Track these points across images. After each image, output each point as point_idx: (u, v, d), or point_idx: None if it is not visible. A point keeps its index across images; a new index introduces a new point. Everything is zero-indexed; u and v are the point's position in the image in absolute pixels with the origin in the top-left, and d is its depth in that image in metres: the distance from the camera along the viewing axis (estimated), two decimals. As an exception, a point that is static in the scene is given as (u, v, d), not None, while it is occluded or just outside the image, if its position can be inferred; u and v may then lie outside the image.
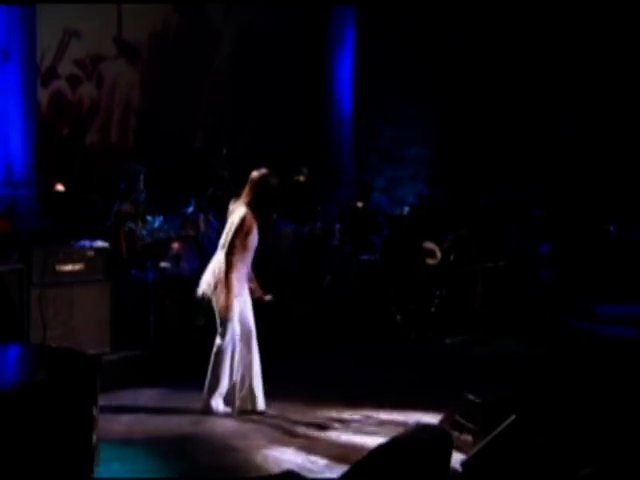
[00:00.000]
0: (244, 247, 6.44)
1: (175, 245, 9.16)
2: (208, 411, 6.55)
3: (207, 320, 7.10)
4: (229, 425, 6.48)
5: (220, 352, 6.45)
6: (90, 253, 7.72)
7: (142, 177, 9.65)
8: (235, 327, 6.47)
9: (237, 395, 6.54)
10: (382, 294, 9.72)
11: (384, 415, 6.78)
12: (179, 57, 11.68)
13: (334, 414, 6.77)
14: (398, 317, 9.63)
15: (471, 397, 5.45)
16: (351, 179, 12.77)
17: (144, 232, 9.38)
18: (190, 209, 9.79)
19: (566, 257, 11.09)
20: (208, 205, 9.80)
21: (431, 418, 6.29)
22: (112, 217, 9.20)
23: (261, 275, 9.23)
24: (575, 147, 12.96)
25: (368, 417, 6.70)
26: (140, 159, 10.08)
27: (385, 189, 13.66)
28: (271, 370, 6.82)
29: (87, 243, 7.75)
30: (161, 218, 9.66)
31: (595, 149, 12.97)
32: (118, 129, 11.32)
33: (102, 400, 5.08)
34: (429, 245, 10.17)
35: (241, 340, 6.53)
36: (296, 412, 6.77)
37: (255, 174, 6.52)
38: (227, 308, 6.37)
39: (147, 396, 7.26)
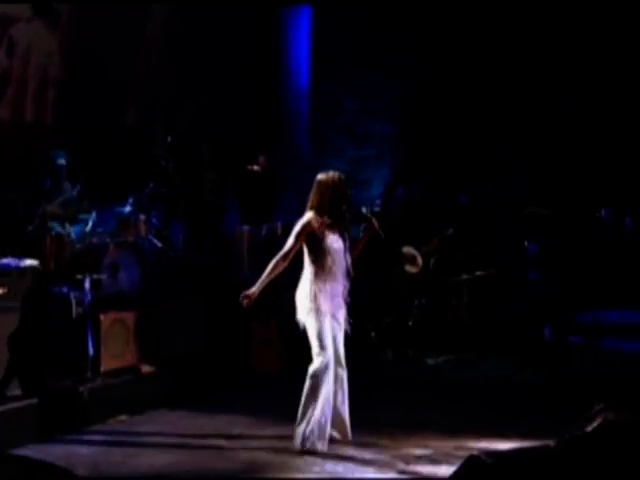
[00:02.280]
0: (317, 253, 6.40)
1: (112, 252, 8.71)
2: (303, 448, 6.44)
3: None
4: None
5: (314, 376, 6.39)
6: (15, 274, 7.21)
7: (65, 169, 9.14)
8: (328, 346, 6.39)
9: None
10: (354, 307, 9.40)
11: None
12: (106, 20, 11.08)
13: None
14: (372, 334, 9.34)
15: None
16: (310, 163, 12.41)
17: (73, 236, 8.91)
18: (127, 208, 9.31)
19: (556, 256, 10.94)
20: (149, 204, 9.34)
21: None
22: (36, 220, 8.69)
23: (215, 286, 8.98)
24: (567, 127, 12.76)
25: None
26: (61, 141, 9.54)
27: (347, 173, 13.28)
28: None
29: (12, 262, 7.22)
30: (94, 217, 9.17)
31: (589, 129, 12.79)
32: (34, 104, 10.73)
33: None
34: (408, 250, 9.90)
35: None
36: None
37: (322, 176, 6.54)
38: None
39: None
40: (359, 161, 13.68)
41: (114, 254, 8.77)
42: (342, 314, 6.58)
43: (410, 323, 9.64)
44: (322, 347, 6.36)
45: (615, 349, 9.47)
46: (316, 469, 6.25)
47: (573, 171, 12.39)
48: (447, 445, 6.79)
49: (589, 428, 5.23)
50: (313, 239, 6.41)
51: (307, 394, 6.40)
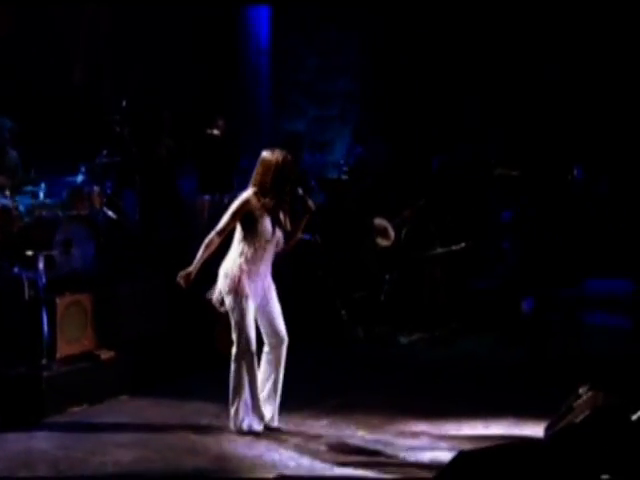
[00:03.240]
0: (250, 234, 6.43)
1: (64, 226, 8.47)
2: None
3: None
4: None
5: (237, 358, 6.53)
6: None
7: (9, 135, 8.85)
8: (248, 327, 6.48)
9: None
10: (323, 283, 9.32)
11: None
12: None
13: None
14: (343, 312, 9.26)
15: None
16: (271, 125, 12.21)
17: (22, 209, 8.65)
18: (79, 178, 9.04)
19: (529, 223, 10.93)
20: (103, 173, 9.09)
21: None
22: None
23: (173, 261, 8.79)
24: (535, 84, 12.67)
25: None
26: (2, 104, 9.23)
27: (307, 134, 13.18)
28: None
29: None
30: (43, 188, 8.91)
31: (557, 86, 12.71)
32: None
33: None
34: (380, 222, 9.78)
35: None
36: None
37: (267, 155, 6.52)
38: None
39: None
40: (321, 121, 13.51)
41: (66, 229, 8.51)
42: (273, 290, 6.63)
43: (382, 298, 9.53)
44: (242, 329, 6.46)
45: (598, 324, 9.47)
46: (292, 464, 6.19)
47: (544, 131, 12.34)
48: (430, 431, 6.79)
49: (577, 419, 5.25)
50: (249, 219, 6.44)
51: (233, 377, 6.54)
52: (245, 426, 6.59)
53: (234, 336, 6.51)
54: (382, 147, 11.91)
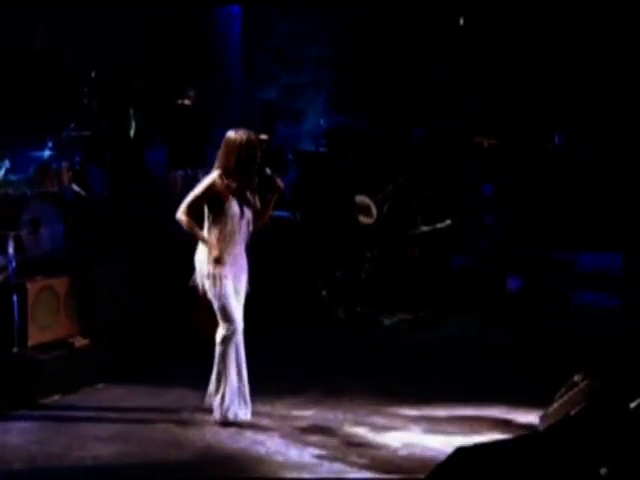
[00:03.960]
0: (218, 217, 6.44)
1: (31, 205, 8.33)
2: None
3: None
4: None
5: (222, 342, 6.51)
6: None
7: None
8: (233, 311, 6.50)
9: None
10: (303, 262, 9.26)
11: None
12: None
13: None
14: (324, 292, 9.21)
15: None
16: (242, 94, 12.05)
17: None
18: (46, 153, 8.85)
19: (512, 195, 10.91)
20: (71, 148, 8.91)
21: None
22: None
23: (147, 241, 8.70)
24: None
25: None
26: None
27: (279, 102, 13.03)
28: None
29: None
30: (6, 163, 8.73)
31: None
32: None
33: None
34: (362, 200, 9.70)
35: None
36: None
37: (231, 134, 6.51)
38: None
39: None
40: (293, 89, 13.36)
41: (34, 207, 8.37)
42: (244, 278, 6.64)
43: (363, 277, 9.49)
44: (227, 312, 6.49)
45: (587, 303, 9.45)
46: (279, 459, 6.13)
47: (522, 97, 12.27)
48: (420, 419, 6.76)
49: (574, 411, 5.27)
50: (215, 202, 6.46)
51: (218, 362, 6.51)
52: (231, 415, 6.56)
53: (219, 319, 6.52)
54: (365, 117, 11.77)
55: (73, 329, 7.75)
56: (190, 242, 6.68)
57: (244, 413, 6.62)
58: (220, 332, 6.52)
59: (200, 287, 6.57)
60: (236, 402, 6.58)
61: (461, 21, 12.52)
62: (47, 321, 7.56)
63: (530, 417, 6.66)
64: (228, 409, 6.56)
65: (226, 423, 6.57)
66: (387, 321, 9.42)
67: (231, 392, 6.54)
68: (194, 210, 6.49)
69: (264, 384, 7.09)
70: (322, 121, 11.42)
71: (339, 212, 9.72)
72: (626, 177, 11.47)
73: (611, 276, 9.94)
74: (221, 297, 6.47)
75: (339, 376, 7.91)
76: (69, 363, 7.52)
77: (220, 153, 6.55)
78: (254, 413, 6.71)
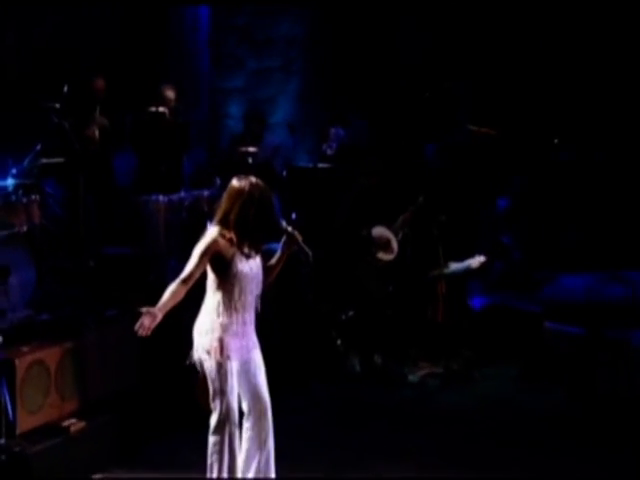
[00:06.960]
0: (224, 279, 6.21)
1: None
2: None
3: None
4: None
5: (216, 431, 6.33)
6: None
7: None
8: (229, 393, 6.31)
9: None
10: (314, 306, 9.04)
11: None
12: None
13: None
14: (339, 342, 9.01)
15: None
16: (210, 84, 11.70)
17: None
18: (9, 182, 8.35)
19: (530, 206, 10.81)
20: (40, 174, 8.46)
21: None
22: None
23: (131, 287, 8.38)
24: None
25: None
26: None
27: (244, 91, 12.74)
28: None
29: None
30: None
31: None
32: None
33: None
34: (381, 233, 9.45)
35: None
36: None
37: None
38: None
39: None
40: (260, 74, 13.06)
41: (1, 253, 7.93)
42: (257, 352, 6.46)
43: (384, 318, 9.29)
44: (224, 395, 6.28)
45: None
46: None
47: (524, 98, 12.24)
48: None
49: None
50: (219, 262, 6.23)
51: (212, 451, 6.36)
52: None
53: (214, 404, 6.31)
54: (364, 126, 11.52)
55: (66, 409, 7.41)
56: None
57: None
58: (214, 418, 6.33)
59: (198, 366, 6.35)
60: None
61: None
62: (37, 403, 7.20)
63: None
64: None
65: None
66: (413, 377, 9.23)
67: None
68: (197, 276, 6.20)
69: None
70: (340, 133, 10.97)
71: (354, 248, 9.43)
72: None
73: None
74: (220, 379, 6.26)
75: (363, 455, 7.60)
76: (64, 453, 7.17)
77: (222, 204, 6.30)
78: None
